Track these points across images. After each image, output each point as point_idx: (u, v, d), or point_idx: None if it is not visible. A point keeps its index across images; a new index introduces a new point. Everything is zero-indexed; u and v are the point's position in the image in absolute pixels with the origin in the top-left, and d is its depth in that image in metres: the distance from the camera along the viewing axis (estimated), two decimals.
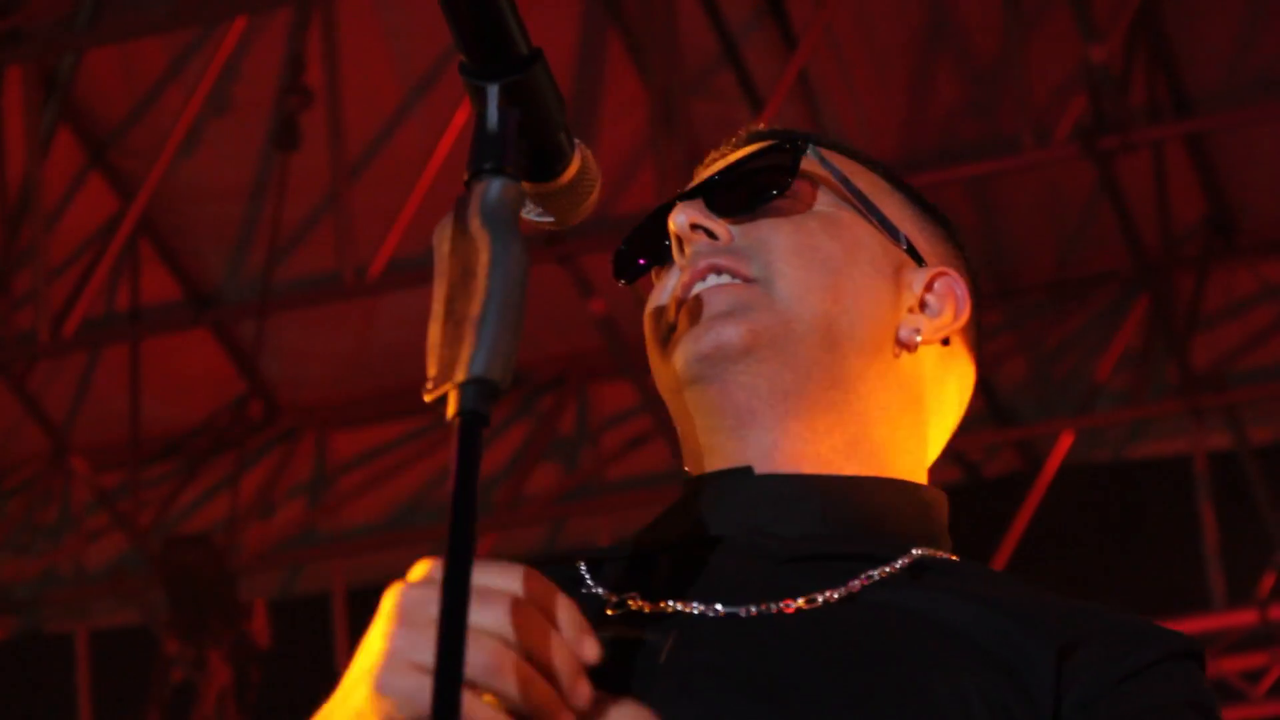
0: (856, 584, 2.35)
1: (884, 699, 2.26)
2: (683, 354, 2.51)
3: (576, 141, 2.37)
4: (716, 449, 2.53)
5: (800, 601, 2.35)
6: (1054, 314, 9.58)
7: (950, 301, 2.60)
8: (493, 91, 2.23)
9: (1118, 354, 9.38)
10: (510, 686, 2.05)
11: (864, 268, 2.56)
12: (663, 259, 2.60)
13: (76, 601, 10.16)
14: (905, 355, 2.56)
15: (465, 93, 2.27)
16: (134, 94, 9.18)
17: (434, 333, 2.13)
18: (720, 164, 2.62)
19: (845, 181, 2.60)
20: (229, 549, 9.52)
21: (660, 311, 2.57)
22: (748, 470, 2.50)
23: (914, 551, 2.41)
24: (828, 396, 2.52)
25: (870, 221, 2.60)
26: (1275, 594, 9.02)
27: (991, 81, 8.81)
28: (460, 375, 2.08)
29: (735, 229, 2.54)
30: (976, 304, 2.64)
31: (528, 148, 2.29)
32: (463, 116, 8.39)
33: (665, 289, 2.58)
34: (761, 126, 2.71)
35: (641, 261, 2.56)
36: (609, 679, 2.20)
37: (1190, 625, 9.05)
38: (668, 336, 2.54)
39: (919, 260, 2.61)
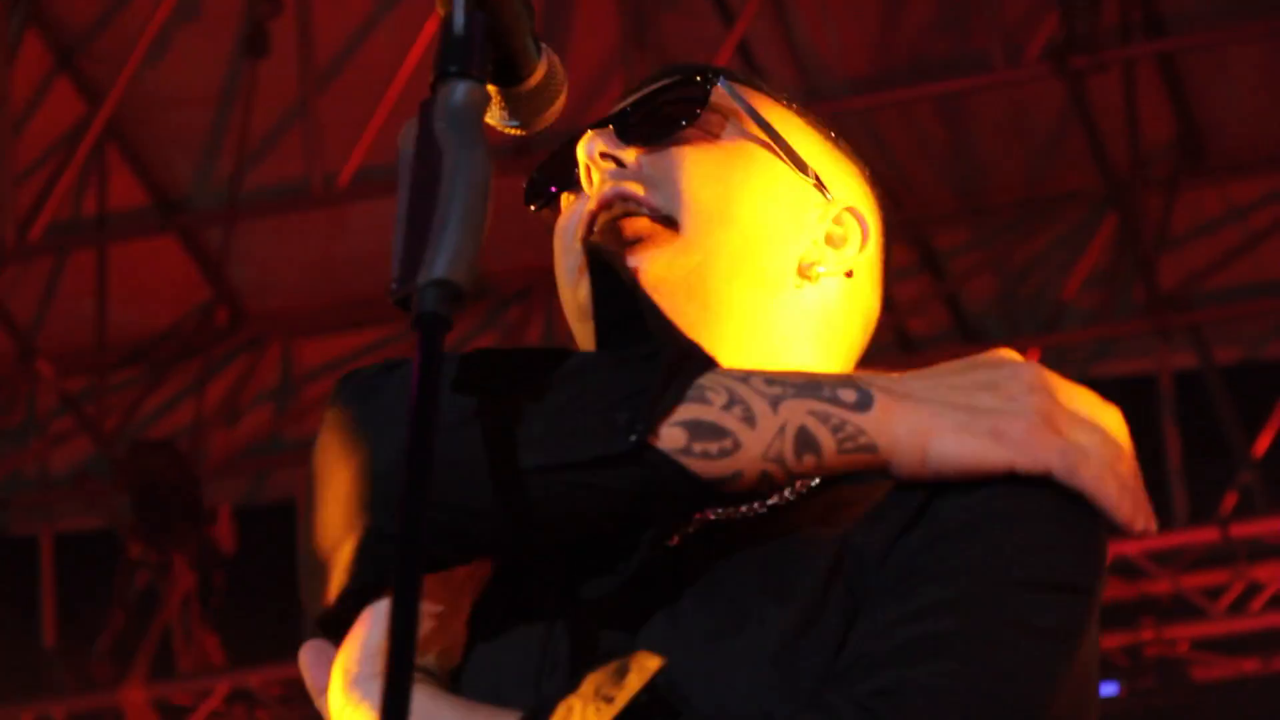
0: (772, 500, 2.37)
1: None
2: (588, 285, 2.52)
3: (544, 46, 2.37)
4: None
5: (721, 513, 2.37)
6: (1022, 232, 9.59)
7: (854, 234, 2.60)
8: None
9: (1085, 273, 9.40)
10: None
11: (768, 200, 2.56)
12: (573, 186, 2.59)
13: (41, 504, 10.19)
14: (808, 286, 2.56)
15: None
16: None
17: (397, 236, 2.14)
18: (633, 96, 2.61)
19: (754, 114, 2.59)
20: (194, 454, 9.54)
21: (566, 239, 2.57)
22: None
23: None
24: (732, 327, 2.51)
25: (778, 155, 2.59)
26: (1237, 512, 9.07)
27: None
28: (423, 276, 2.09)
29: (644, 158, 2.53)
30: (886, 241, 2.65)
31: (494, 51, 2.30)
32: (432, 26, 8.37)
33: (573, 215, 2.57)
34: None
35: (553, 189, 2.52)
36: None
37: (1151, 544, 9.12)
38: (574, 265, 2.55)
39: (825, 195, 2.60)
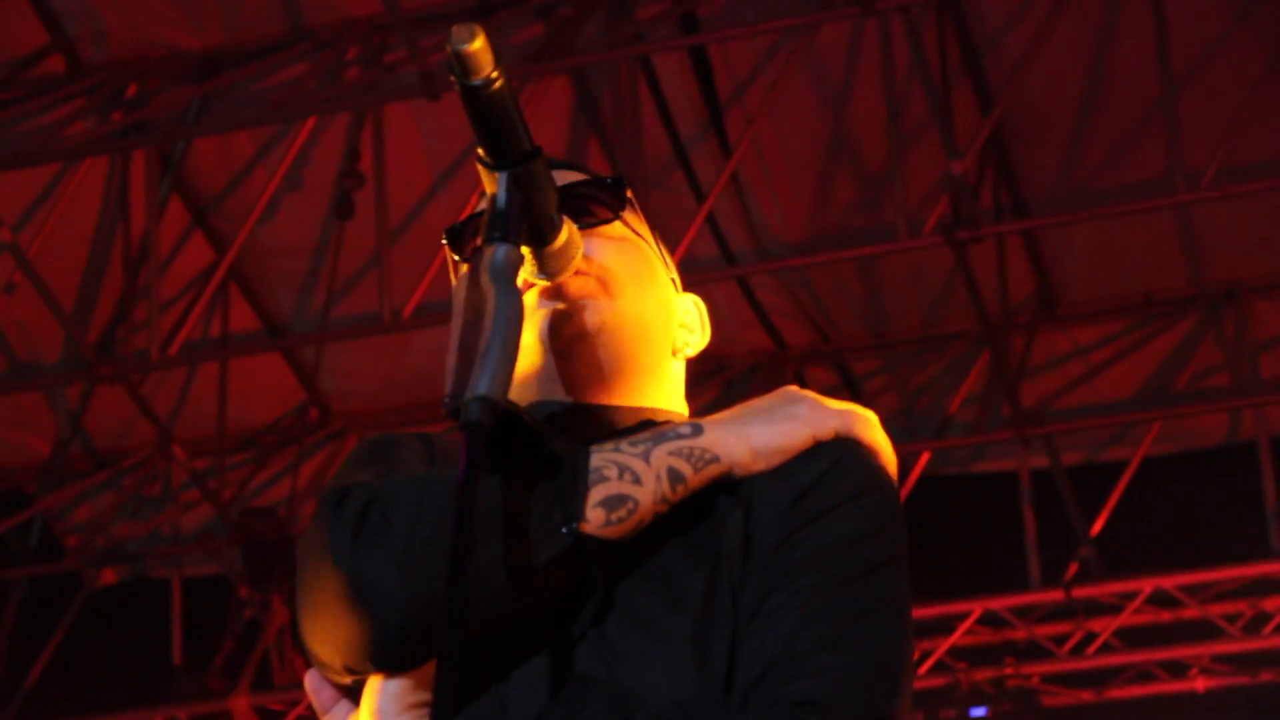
0: None
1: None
2: (538, 328, 2.41)
3: (564, 217, 2.34)
4: (547, 392, 2.44)
5: None
6: (919, 362, 9.55)
7: (699, 323, 2.60)
8: (503, 177, 2.24)
9: (965, 393, 9.36)
10: None
11: (657, 287, 2.53)
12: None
13: (173, 555, 10.09)
14: (674, 360, 2.54)
15: (480, 179, 2.24)
16: (229, 173, 9.12)
17: (450, 359, 2.11)
18: (567, 179, 2.49)
19: (640, 220, 2.56)
20: (290, 519, 9.46)
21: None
22: (581, 405, 2.43)
23: None
24: (633, 382, 2.47)
25: (655, 253, 2.57)
26: (1078, 578, 9.01)
27: (877, 185, 8.78)
28: (470, 393, 2.06)
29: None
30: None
31: (526, 221, 2.27)
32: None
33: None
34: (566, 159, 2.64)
35: (478, 242, 2.29)
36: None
37: (1013, 600, 9.06)
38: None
39: (678, 289, 2.60)
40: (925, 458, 9.26)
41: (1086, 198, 8.60)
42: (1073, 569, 8.98)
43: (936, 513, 9.17)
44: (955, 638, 9.02)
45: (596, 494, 2.20)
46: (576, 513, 2.19)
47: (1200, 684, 8.97)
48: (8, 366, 9.57)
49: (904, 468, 9.28)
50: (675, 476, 2.24)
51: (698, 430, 2.27)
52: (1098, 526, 9.06)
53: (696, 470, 2.25)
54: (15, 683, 9.73)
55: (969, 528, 9.41)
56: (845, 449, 2.31)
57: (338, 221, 8.88)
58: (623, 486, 2.21)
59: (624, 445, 2.26)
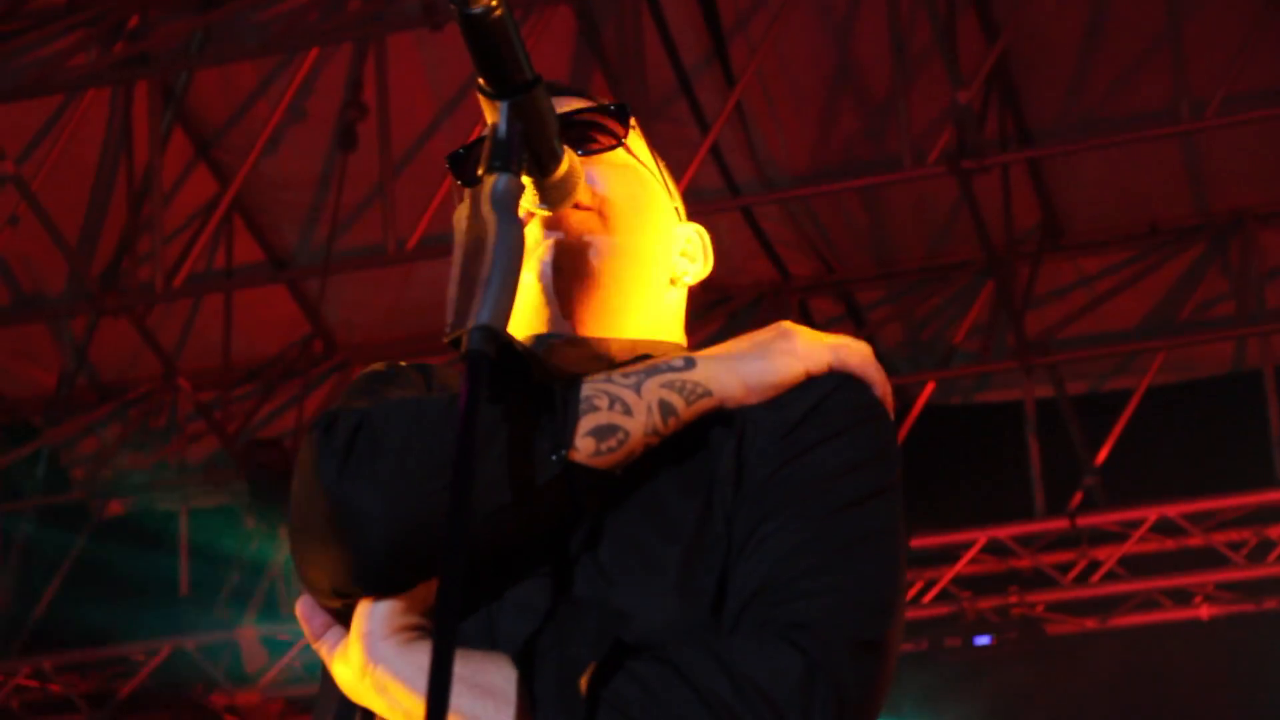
0: None
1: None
2: (537, 259, 2.42)
3: (565, 147, 2.33)
4: (543, 323, 2.45)
5: None
6: (923, 292, 9.54)
7: (702, 252, 2.59)
8: (503, 107, 2.22)
9: (970, 323, 9.36)
10: None
11: (658, 218, 2.53)
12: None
13: (179, 487, 10.11)
14: (674, 289, 2.54)
15: (482, 110, 2.24)
16: (231, 104, 9.12)
17: (451, 290, 2.11)
18: (567, 107, 2.48)
19: (644, 148, 2.56)
20: (295, 451, 9.46)
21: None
22: (577, 338, 2.43)
23: None
24: (630, 314, 2.47)
25: (660, 181, 2.56)
26: (1082, 507, 9.02)
27: (881, 115, 8.76)
28: (471, 323, 2.06)
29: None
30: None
31: (528, 151, 2.26)
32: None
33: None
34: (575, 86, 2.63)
35: (480, 171, 2.26)
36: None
37: (1017, 529, 9.08)
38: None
39: (682, 218, 2.59)
40: (930, 388, 9.27)
41: (1092, 127, 8.58)
42: (1077, 498, 8.99)
43: (941, 443, 9.19)
44: (960, 566, 9.05)
45: (587, 423, 2.20)
46: (566, 441, 2.19)
47: (1204, 611, 9.00)
48: (12, 299, 9.59)
49: (909, 398, 9.33)
50: (667, 409, 2.24)
51: (690, 364, 2.28)
52: (1102, 455, 9.08)
53: (689, 403, 2.26)
54: (24, 613, 9.79)
55: (974, 457, 9.44)
56: (838, 382, 2.31)
57: (341, 153, 8.87)
58: (613, 417, 2.22)
59: (616, 376, 2.26)
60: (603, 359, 2.41)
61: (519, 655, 2.15)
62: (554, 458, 2.18)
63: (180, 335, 9.77)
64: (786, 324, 2.37)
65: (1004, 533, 9.03)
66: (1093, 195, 9.13)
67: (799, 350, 2.32)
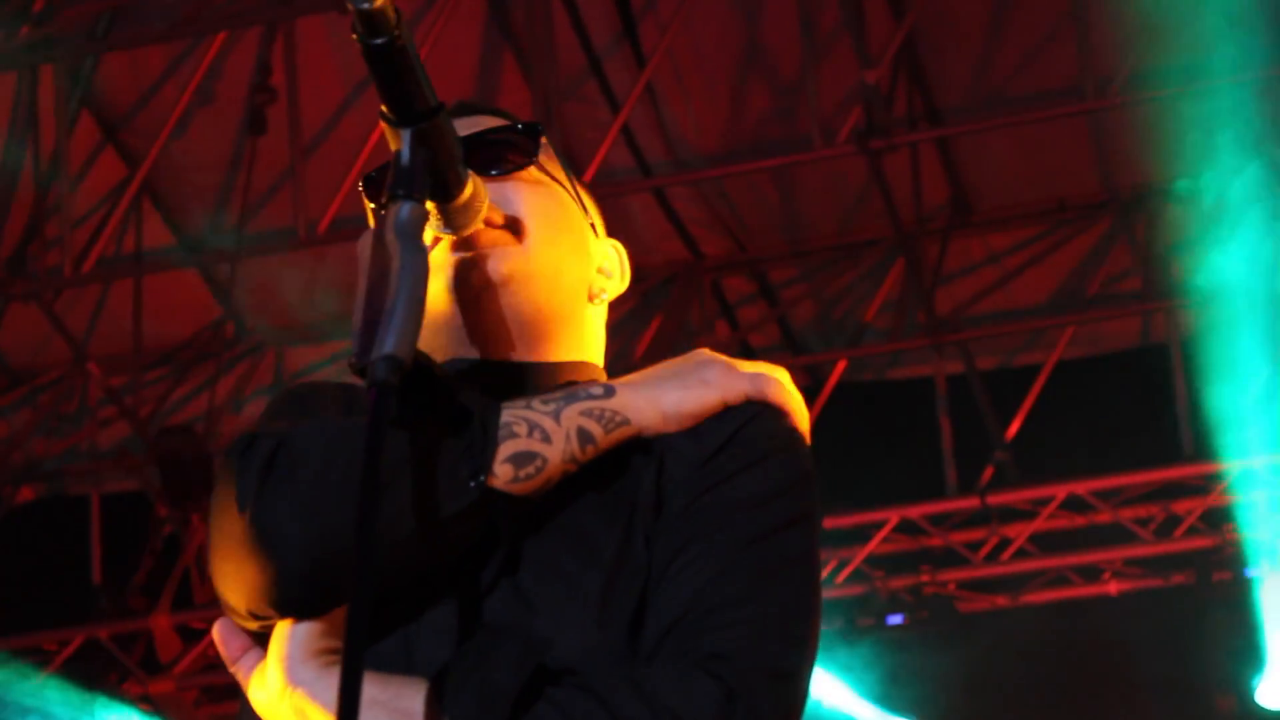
0: None
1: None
2: (445, 279, 2.40)
3: (470, 171, 2.33)
4: (457, 348, 2.43)
5: None
6: (835, 270, 9.59)
7: (619, 267, 2.59)
8: (406, 135, 2.21)
9: (880, 301, 9.41)
10: None
11: (573, 233, 2.51)
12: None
13: (92, 472, 10.06)
14: (591, 305, 2.52)
15: None
16: (140, 88, 9.06)
17: (356, 318, 2.11)
18: (474, 128, 2.48)
19: (560, 164, 2.55)
20: (208, 436, 9.45)
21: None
22: (492, 361, 2.42)
23: None
24: (549, 329, 2.46)
25: (573, 197, 2.55)
26: (992, 484, 9.09)
27: (791, 94, 8.79)
28: (376, 353, 2.06)
29: (489, 185, 2.41)
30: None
31: (431, 177, 2.26)
32: None
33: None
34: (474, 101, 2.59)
35: (383, 200, 2.24)
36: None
37: (929, 508, 9.14)
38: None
39: (597, 234, 2.57)
40: (841, 365, 9.32)
41: (999, 105, 8.64)
42: (989, 472, 9.06)
43: (853, 421, 9.24)
44: (872, 546, 9.09)
45: (505, 450, 2.20)
46: (484, 467, 2.19)
47: (1113, 587, 9.06)
48: None
49: (820, 375, 9.39)
50: (585, 436, 2.25)
51: (609, 392, 2.29)
52: (1012, 430, 9.15)
53: (607, 431, 2.27)
54: None
55: (886, 435, 9.49)
56: (755, 411, 2.32)
57: (250, 136, 8.83)
58: (532, 444, 2.22)
59: (535, 403, 2.26)
60: (518, 383, 2.40)
61: (437, 680, 2.15)
62: (472, 484, 2.18)
63: (90, 320, 9.72)
64: (706, 353, 2.38)
65: (915, 512, 9.09)
66: (1001, 172, 9.20)
67: (717, 380, 2.32)
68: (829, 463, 8.91)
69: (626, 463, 2.29)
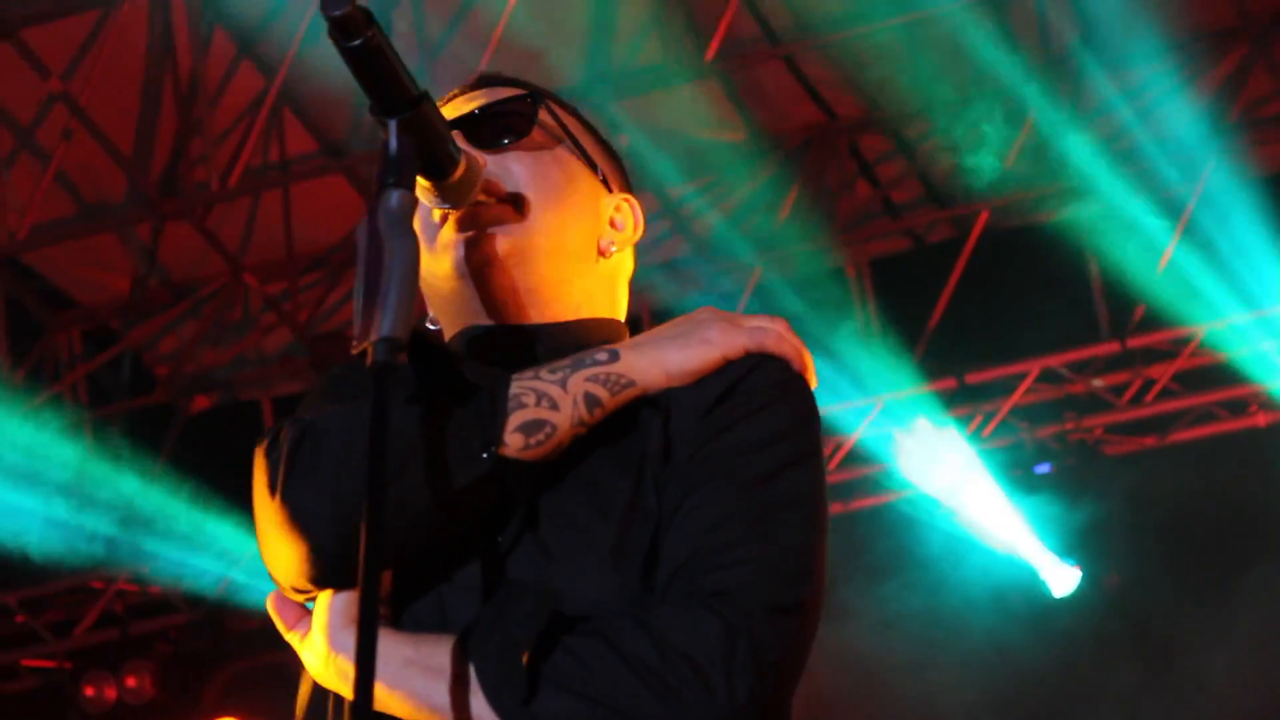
0: None
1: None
2: (451, 256, 2.54)
3: (461, 150, 2.48)
4: (469, 317, 2.57)
5: None
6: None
7: (631, 220, 2.70)
8: (392, 125, 2.35)
9: (1019, 147, 9.30)
10: None
11: (578, 195, 2.63)
12: None
13: (260, 378, 10.34)
14: (603, 260, 2.65)
15: None
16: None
17: (355, 303, 2.27)
18: (474, 103, 2.61)
19: (562, 126, 2.66)
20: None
21: (428, 216, 2.55)
22: (505, 327, 2.56)
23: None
24: (555, 291, 2.58)
25: (578, 158, 2.66)
26: (1140, 327, 9.05)
27: None
28: (374, 335, 2.22)
29: (490, 157, 2.55)
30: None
31: (423, 159, 2.41)
32: None
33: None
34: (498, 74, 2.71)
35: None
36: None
37: (1071, 356, 9.15)
38: (433, 238, 2.55)
39: (609, 188, 2.69)
40: (984, 216, 9.31)
41: None
42: (1139, 312, 9.04)
43: (1001, 270, 9.21)
44: (1016, 398, 9.13)
45: (515, 420, 2.34)
46: (495, 438, 2.33)
47: (1261, 419, 9.06)
48: (77, 210, 9.77)
49: (966, 227, 9.39)
50: (592, 401, 2.39)
51: (614, 356, 2.42)
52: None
53: (613, 394, 2.40)
54: None
55: (1030, 279, 9.43)
56: (755, 363, 2.45)
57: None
58: (540, 412, 2.35)
59: (543, 372, 2.39)
60: (528, 346, 2.54)
61: (462, 636, 2.30)
62: (484, 455, 2.32)
63: (243, 231, 9.91)
64: (707, 312, 2.51)
65: (1056, 361, 9.12)
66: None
67: (717, 338, 2.46)
68: (977, 312, 8.98)
69: (635, 417, 2.43)
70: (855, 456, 9.42)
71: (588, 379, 2.40)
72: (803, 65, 9.34)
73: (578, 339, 2.54)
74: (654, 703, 2.26)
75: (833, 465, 9.36)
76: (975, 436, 9.03)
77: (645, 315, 9.81)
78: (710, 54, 8.52)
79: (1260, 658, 8.27)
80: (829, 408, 9.09)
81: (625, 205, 2.71)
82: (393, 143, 2.33)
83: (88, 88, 9.10)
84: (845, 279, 9.43)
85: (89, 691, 9.77)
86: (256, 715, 9.49)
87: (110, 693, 9.74)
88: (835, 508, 9.36)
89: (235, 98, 9.43)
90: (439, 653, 2.30)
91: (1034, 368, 9.11)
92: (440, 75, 8.80)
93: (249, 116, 9.40)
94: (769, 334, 2.48)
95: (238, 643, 9.87)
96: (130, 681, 9.73)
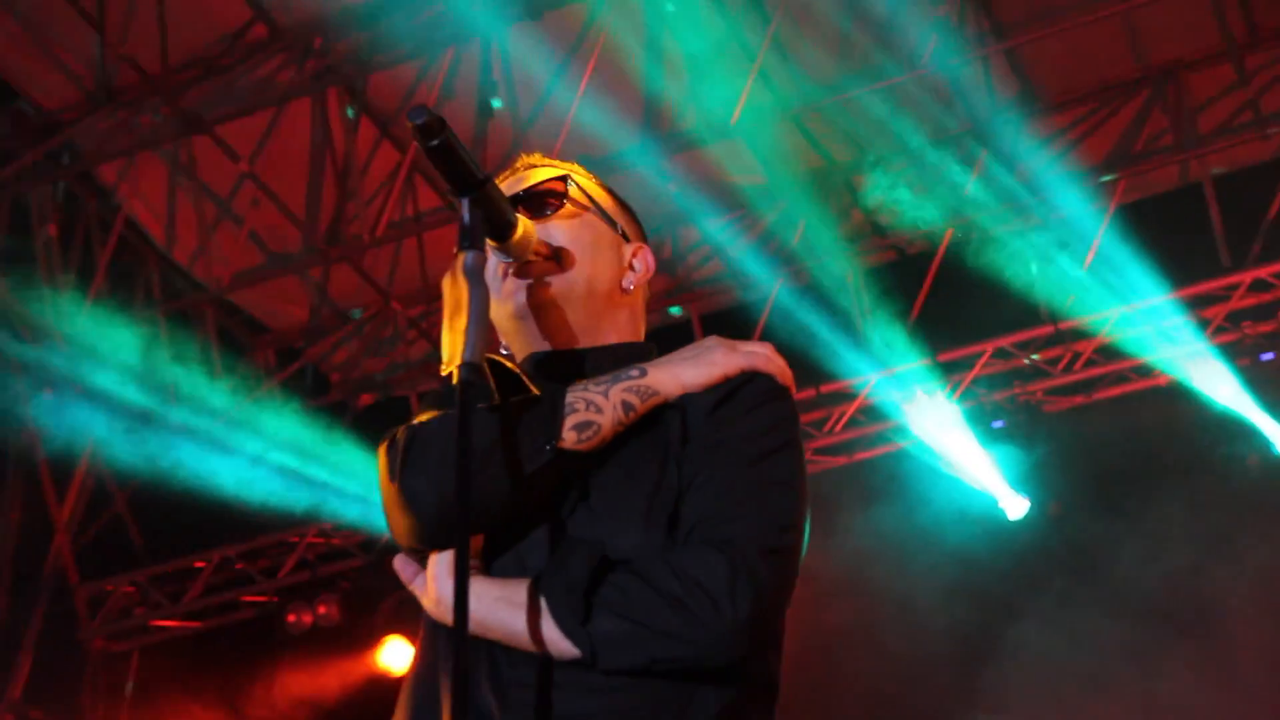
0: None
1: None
2: (512, 301, 2.60)
3: (519, 217, 2.55)
4: (531, 345, 2.62)
5: None
6: None
7: (644, 264, 2.74)
8: (465, 202, 2.42)
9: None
10: None
11: (604, 248, 2.68)
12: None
13: (407, 379, 10.13)
14: (624, 296, 2.70)
15: None
16: (399, 94, 9.21)
17: (444, 338, 2.34)
18: (522, 184, 2.67)
19: (588, 197, 2.71)
20: None
21: (494, 270, 2.60)
22: (559, 351, 2.61)
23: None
24: (591, 322, 2.64)
25: (602, 219, 2.71)
26: (1069, 313, 8.81)
27: None
28: (459, 360, 2.29)
29: (536, 224, 2.61)
30: (657, 265, 2.80)
31: (489, 226, 2.48)
32: None
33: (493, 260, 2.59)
34: (538, 156, 2.76)
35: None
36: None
37: (1024, 335, 8.94)
38: (499, 287, 2.61)
39: (627, 239, 2.74)
40: (949, 234, 9.23)
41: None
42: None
43: (962, 275, 9.12)
44: (975, 370, 8.98)
45: (570, 421, 2.40)
46: (555, 435, 2.38)
47: (1163, 380, 8.71)
48: (266, 259, 9.86)
49: (937, 241, 9.28)
50: (627, 406, 2.45)
51: (643, 373, 2.48)
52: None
53: (643, 401, 2.46)
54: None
55: (985, 285, 9.25)
56: (748, 377, 2.52)
57: (481, 119, 8.97)
58: (589, 415, 2.41)
59: (590, 385, 2.45)
60: (575, 364, 2.59)
61: (537, 578, 2.37)
62: (548, 448, 2.38)
63: (390, 269, 9.88)
64: (713, 340, 2.56)
65: (1006, 341, 8.97)
66: None
67: (719, 360, 2.52)
68: (948, 308, 8.81)
69: (660, 415, 2.49)
70: (861, 417, 9.40)
71: (624, 390, 2.45)
72: (808, 123, 9.31)
73: (615, 359, 2.59)
74: (677, 620, 2.30)
75: (842, 424, 9.32)
76: (949, 399, 9.00)
77: (695, 320, 9.84)
78: (734, 118, 8.54)
79: (1164, 559, 8.21)
80: (844, 381, 9.10)
81: (640, 252, 2.75)
82: (465, 215, 2.39)
83: (269, 167, 9.21)
84: (846, 284, 9.40)
85: (291, 619, 9.86)
86: (414, 633, 9.51)
87: (307, 619, 9.81)
88: (843, 459, 9.38)
89: (379, 169, 9.49)
90: (519, 591, 2.36)
91: (989, 348, 9.07)
92: (529, 143, 8.87)
93: (389, 183, 9.44)
94: (758, 356, 2.54)
95: (398, 580, 9.89)
96: (321, 610, 9.81)
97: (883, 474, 9.01)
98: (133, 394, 9.20)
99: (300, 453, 9.54)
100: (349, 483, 9.58)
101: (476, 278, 2.34)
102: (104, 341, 9.21)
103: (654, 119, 8.92)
